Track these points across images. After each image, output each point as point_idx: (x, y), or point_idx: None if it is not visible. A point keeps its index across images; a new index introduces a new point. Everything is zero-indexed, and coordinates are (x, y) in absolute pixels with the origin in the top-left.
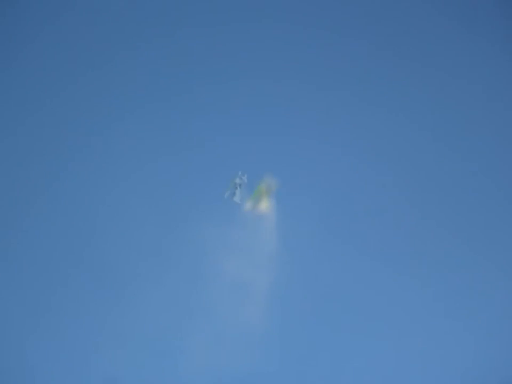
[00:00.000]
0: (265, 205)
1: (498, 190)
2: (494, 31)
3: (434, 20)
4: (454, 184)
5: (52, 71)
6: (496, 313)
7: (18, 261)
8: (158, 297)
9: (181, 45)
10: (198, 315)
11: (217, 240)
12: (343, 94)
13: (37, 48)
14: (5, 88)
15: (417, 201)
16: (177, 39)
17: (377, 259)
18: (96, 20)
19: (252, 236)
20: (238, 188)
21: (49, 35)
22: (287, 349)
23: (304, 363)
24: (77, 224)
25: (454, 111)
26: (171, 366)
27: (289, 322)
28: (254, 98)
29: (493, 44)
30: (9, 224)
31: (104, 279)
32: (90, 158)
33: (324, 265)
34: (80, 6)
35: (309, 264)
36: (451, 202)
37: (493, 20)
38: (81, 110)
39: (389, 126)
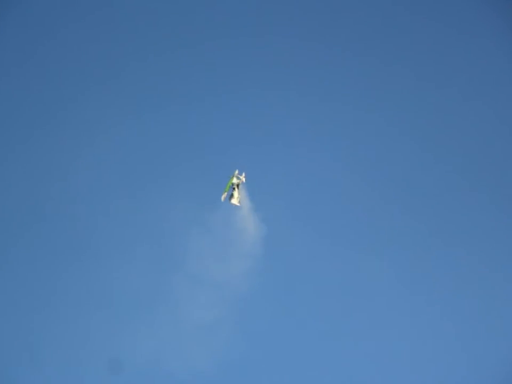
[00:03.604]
0: (237, 197)
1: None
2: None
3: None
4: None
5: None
6: (497, 315)
7: None
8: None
9: (185, 51)
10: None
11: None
12: (336, 101)
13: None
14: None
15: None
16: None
17: (348, 246)
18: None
19: (224, 222)
20: (236, 188)
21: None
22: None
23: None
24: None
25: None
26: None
27: (255, 316)
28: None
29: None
30: None
31: (78, 248)
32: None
33: (304, 259)
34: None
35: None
36: (442, 206)
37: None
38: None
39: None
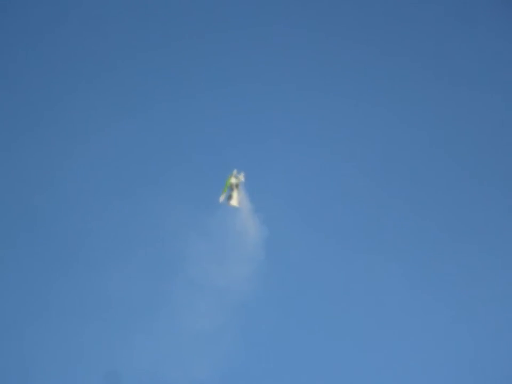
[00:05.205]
0: (236, 198)
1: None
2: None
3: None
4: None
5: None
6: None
7: None
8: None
9: (183, 50)
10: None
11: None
12: (336, 99)
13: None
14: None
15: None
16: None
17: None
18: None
19: (224, 225)
20: (235, 189)
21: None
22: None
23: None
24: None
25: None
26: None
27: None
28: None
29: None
30: None
31: (71, 255)
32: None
33: (305, 262)
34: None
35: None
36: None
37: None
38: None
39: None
